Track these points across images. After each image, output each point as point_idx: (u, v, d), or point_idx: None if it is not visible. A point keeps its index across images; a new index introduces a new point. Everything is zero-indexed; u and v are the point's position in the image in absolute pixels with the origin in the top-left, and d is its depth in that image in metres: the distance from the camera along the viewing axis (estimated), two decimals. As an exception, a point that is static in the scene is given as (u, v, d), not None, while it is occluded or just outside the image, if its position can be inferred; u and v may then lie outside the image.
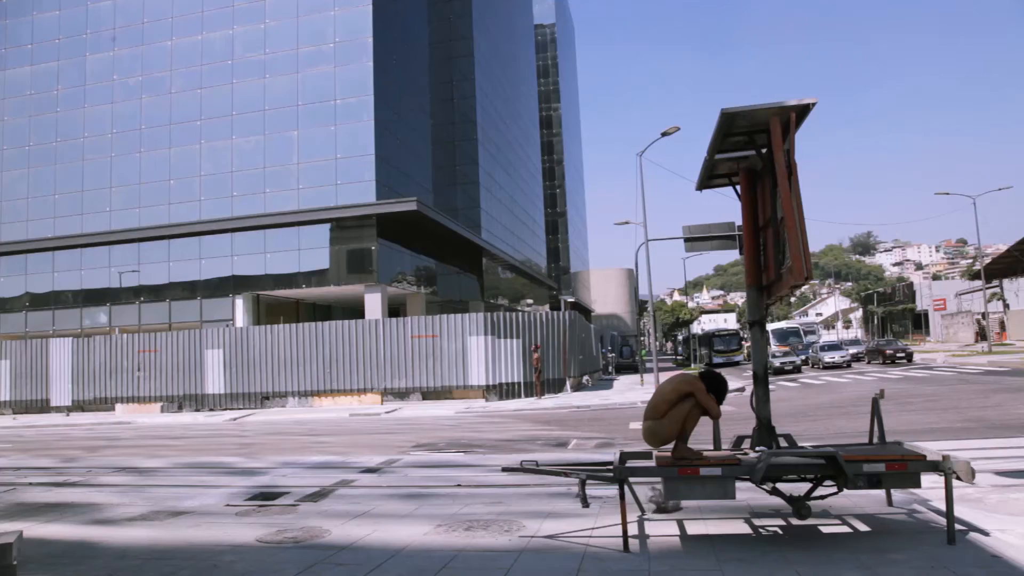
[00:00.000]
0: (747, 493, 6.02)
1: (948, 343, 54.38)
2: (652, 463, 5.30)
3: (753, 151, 5.82)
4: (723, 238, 20.36)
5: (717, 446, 6.14)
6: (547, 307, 54.87)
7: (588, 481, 5.26)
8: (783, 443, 5.74)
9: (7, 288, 34.85)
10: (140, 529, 6.31)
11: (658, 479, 5.30)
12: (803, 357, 35.33)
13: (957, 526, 4.90)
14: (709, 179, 6.65)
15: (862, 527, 5.36)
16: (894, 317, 71.05)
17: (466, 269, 41.95)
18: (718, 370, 6.04)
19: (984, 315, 41.95)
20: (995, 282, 51.41)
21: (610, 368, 39.34)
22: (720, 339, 44.28)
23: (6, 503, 7.84)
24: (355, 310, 32.25)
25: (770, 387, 6.19)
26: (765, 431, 5.75)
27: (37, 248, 34.26)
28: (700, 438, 5.91)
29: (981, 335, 49.46)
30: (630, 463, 5.48)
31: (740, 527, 5.53)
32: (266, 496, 7.68)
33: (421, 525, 5.97)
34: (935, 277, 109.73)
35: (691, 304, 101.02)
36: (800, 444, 5.79)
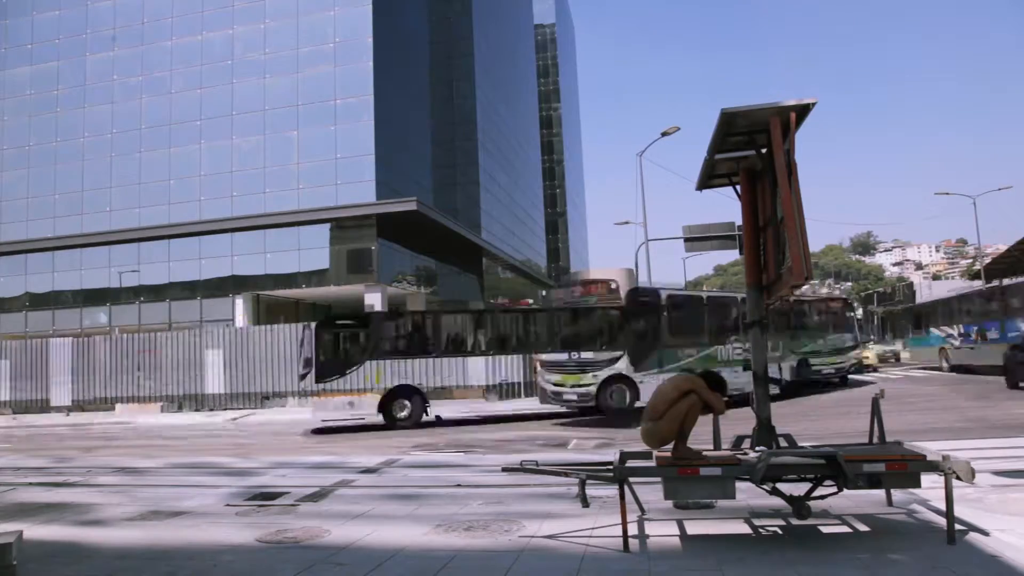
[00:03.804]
0: (747, 493, 6.01)
1: (948, 343, 54.26)
2: (652, 463, 5.30)
3: (753, 151, 5.82)
4: (723, 238, 20.35)
5: (717, 446, 6.14)
6: (547, 307, 54.82)
7: (588, 481, 5.25)
8: (783, 443, 5.73)
9: (7, 288, 34.86)
10: (140, 529, 6.30)
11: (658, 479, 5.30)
12: None
13: (957, 526, 4.89)
14: (709, 179, 6.65)
15: (862, 527, 5.35)
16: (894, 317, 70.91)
17: (466, 269, 41.96)
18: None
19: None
20: (995, 282, 51.36)
21: None
22: None
23: (6, 503, 7.83)
24: (355, 310, 32.29)
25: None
26: (765, 431, 5.75)
27: (37, 248, 34.27)
28: (700, 438, 5.90)
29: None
30: (630, 463, 5.48)
31: (740, 527, 5.53)
32: (265, 496, 7.67)
33: (421, 525, 5.97)
34: (935, 277, 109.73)
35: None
36: (800, 444, 5.79)
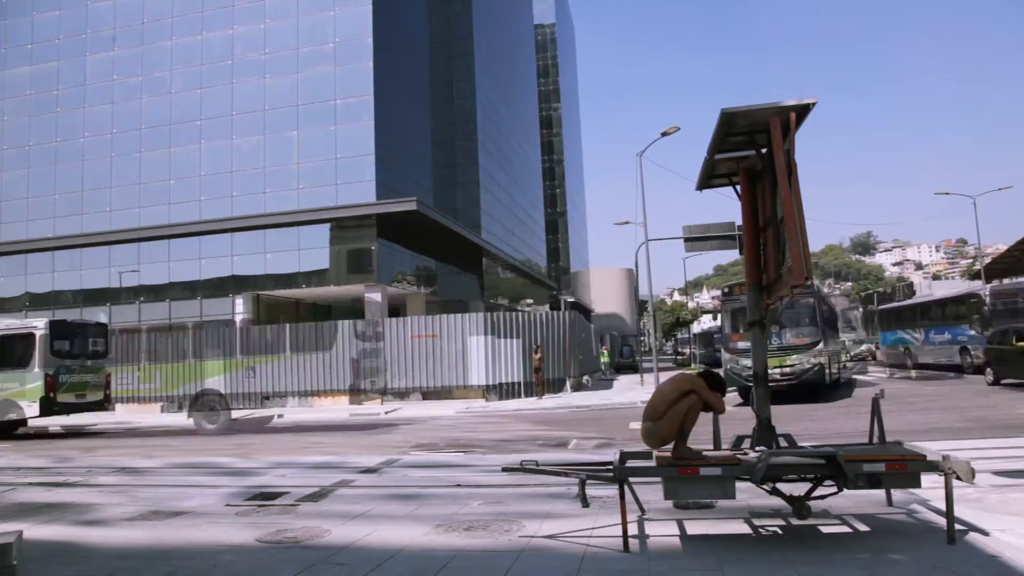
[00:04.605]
0: (747, 493, 6.01)
1: (948, 343, 54.21)
2: (652, 463, 5.30)
3: (753, 151, 5.82)
4: (723, 238, 20.37)
5: (717, 446, 6.14)
6: (547, 307, 54.87)
7: (588, 481, 5.25)
8: (783, 443, 5.73)
9: (7, 288, 34.84)
10: (140, 529, 6.31)
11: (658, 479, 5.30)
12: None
13: (957, 526, 4.89)
14: (709, 179, 6.65)
15: (862, 527, 5.35)
16: (894, 317, 70.75)
17: (466, 269, 41.94)
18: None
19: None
20: (995, 282, 51.38)
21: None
22: None
23: (6, 503, 7.84)
24: (355, 310, 32.30)
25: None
26: (765, 431, 5.75)
27: (37, 248, 34.24)
28: (700, 438, 5.91)
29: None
30: (630, 463, 5.48)
31: (740, 527, 5.53)
32: (265, 496, 7.68)
33: (421, 525, 5.97)
34: (935, 277, 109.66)
35: (691, 304, 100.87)
36: (800, 444, 5.79)
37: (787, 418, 13.00)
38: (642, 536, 5.29)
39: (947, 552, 4.62)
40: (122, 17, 34.60)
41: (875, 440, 5.63)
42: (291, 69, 32.21)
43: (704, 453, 5.44)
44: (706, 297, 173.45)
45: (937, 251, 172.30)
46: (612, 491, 6.02)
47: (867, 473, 4.85)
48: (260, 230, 31.12)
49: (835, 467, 4.82)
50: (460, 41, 46.03)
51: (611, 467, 5.24)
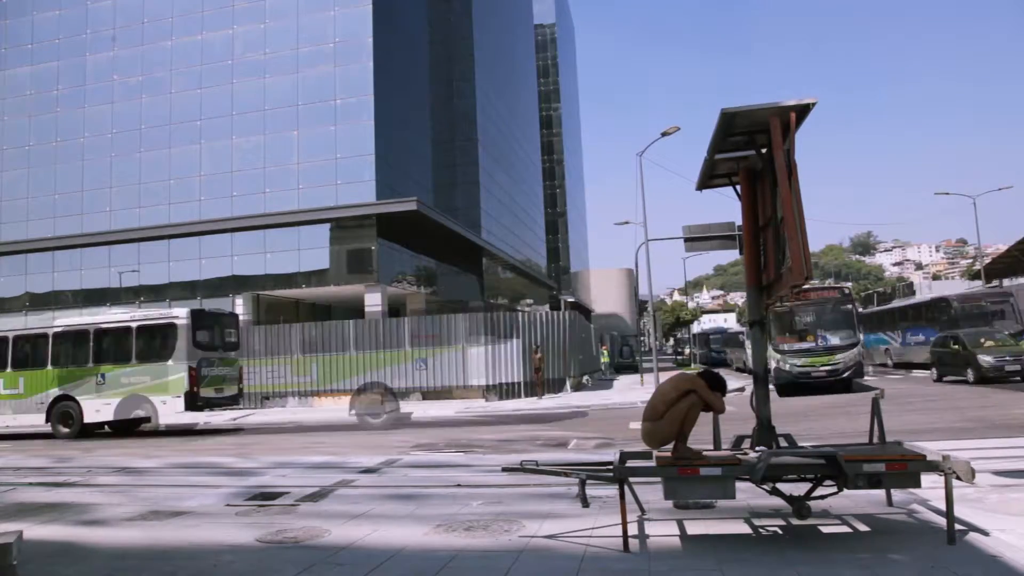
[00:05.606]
0: (747, 493, 6.01)
1: (948, 343, 54.19)
2: (652, 463, 5.30)
3: (753, 151, 5.82)
4: (723, 238, 20.33)
5: (717, 446, 6.14)
6: (547, 307, 54.85)
7: (588, 481, 5.25)
8: (783, 443, 5.73)
9: (7, 288, 34.83)
10: (140, 529, 6.31)
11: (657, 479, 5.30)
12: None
13: (957, 526, 4.89)
14: (709, 179, 6.65)
15: (862, 527, 5.35)
16: (894, 317, 70.72)
17: (466, 269, 41.94)
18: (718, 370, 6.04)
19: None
20: (995, 282, 51.43)
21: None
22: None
23: (6, 503, 7.84)
24: (355, 310, 32.29)
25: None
26: (765, 431, 5.75)
27: (37, 248, 34.23)
28: (700, 438, 5.91)
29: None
30: (630, 463, 5.48)
31: (740, 527, 5.53)
32: (265, 496, 7.68)
33: (421, 525, 5.97)
34: (935, 277, 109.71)
35: (691, 304, 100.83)
36: (800, 444, 5.79)
37: (787, 418, 13.00)
38: (642, 536, 5.29)
39: (947, 552, 4.62)
40: (122, 17, 34.59)
41: (875, 440, 5.63)
42: (291, 69, 32.20)
43: (704, 453, 5.44)
44: (706, 297, 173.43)
45: (937, 251, 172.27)
46: (612, 491, 6.02)
47: (867, 473, 4.85)
48: (260, 230, 31.12)
49: (835, 467, 4.82)
50: (460, 41, 46.01)
51: (611, 467, 5.24)
